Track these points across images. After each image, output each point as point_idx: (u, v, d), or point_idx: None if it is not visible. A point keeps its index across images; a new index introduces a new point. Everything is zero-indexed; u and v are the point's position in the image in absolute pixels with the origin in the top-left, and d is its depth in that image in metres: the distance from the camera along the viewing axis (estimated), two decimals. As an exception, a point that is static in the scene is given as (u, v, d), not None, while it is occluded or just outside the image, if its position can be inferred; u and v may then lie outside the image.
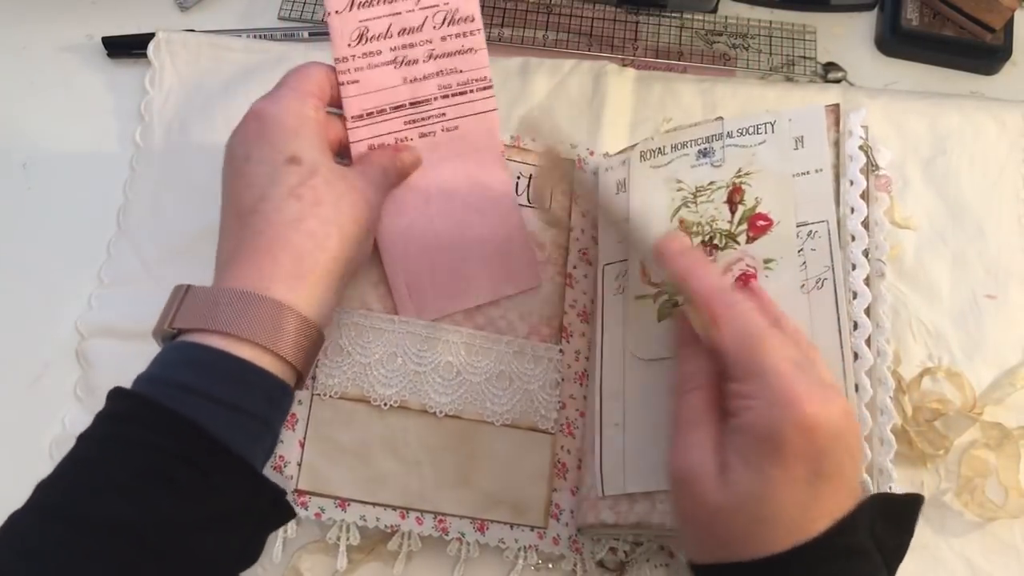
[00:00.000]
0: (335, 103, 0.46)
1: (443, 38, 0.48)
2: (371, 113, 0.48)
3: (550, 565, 0.48)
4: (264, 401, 0.38)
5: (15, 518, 0.35)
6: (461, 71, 0.49)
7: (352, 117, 0.48)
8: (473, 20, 0.49)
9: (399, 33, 0.49)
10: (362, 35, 0.48)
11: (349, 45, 0.48)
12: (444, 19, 0.49)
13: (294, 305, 0.39)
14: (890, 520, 0.37)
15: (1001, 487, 0.49)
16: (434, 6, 0.48)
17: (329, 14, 0.48)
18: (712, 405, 0.38)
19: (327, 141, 0.44)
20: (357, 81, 0.48)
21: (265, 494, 0.38)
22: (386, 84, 0.48)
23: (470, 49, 0.49)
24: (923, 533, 0.49)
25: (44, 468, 0.49)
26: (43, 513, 0.36)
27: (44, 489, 0.36)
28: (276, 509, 0.39)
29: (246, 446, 0.37)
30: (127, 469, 0.35)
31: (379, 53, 0.48)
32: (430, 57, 0.48)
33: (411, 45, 0.48)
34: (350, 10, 0.48)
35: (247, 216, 0.41)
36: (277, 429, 0.40)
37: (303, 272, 0.40)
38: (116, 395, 0.37)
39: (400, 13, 0.48)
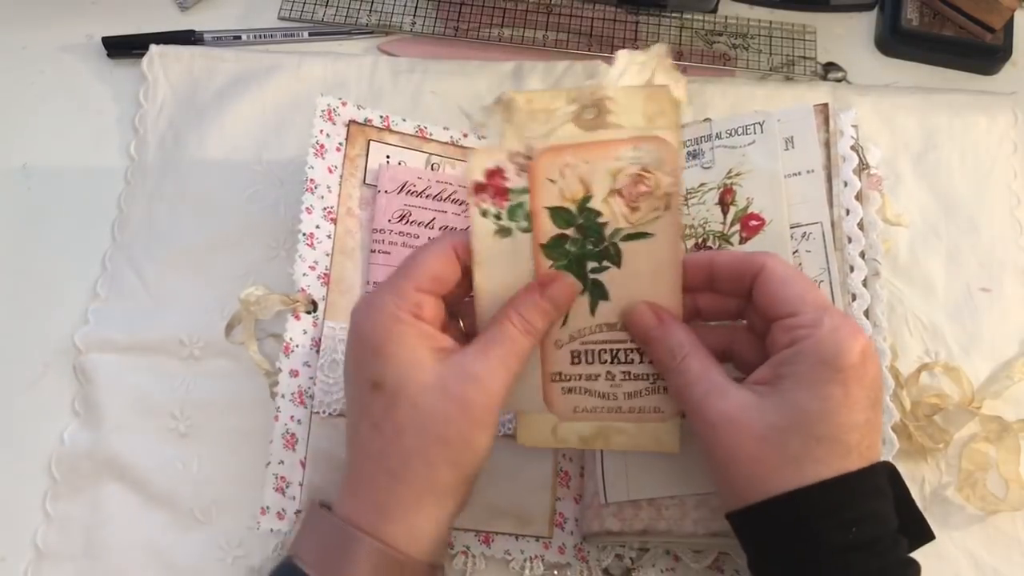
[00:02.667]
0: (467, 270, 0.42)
1: None
2: None
3: (555, 573, 0.48)
4: None
5: None
6: None
7: (374, 283, 0.50)
8: None
9: (441, 228, 0.52)
10: (404, 216, 0.51)
11: (389, 220, 0.51)
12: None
13: (376, 536, 0.38)
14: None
15: (1002, 480, 0.50)
16: None
17: (379, 192, 0.51)
18: (709, 358, 0.39)
19: (428, 344, 0.39)
20: (388, 253, 0.51)
21: None
22: None
23: None
24: (925, 527, 0.49)
25: (42, 482, 0.49)
26: None
27: None
28: None
29: None
30: None
31: (417, 237, 0.51)
32: None
33: None
34: (398, 193, 0.51)
35: (348, 443, 0.41)
36: None
37: (385, 508, 0.39)
38: None
39: (447, 213, 0.52)
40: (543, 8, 0.63)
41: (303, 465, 0.47)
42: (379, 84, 0.60)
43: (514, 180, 0.40)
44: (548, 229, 0.41)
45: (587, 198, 0.40)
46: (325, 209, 0.51)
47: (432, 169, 0.54)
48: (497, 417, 0.40)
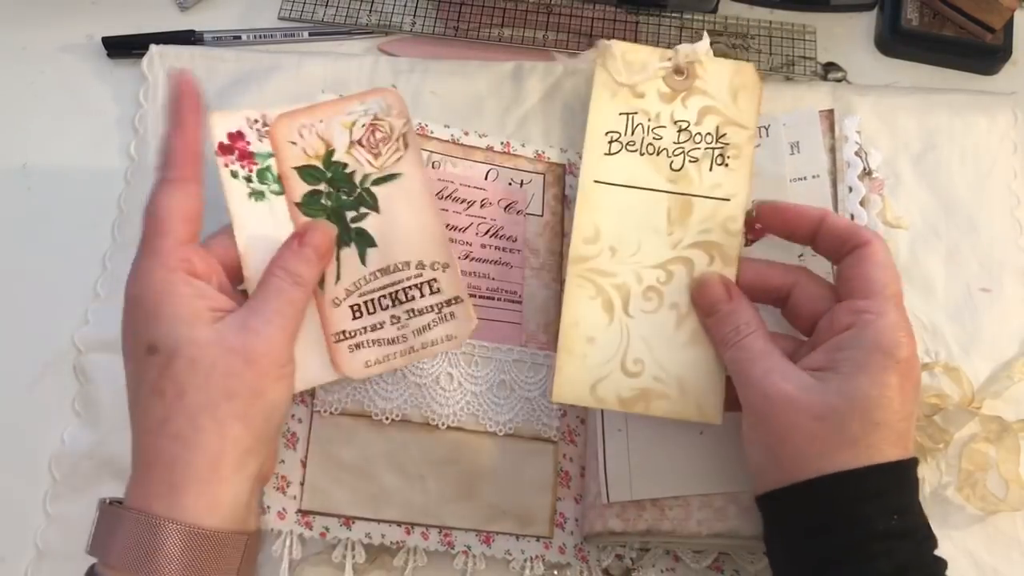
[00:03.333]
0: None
1: (482, 246, 0.51)
2: None
3: (555, 573, 0.48)
4: None
5: None
6: (493, 278, 0.51)
7: None
8: (515, 240, 0.51)
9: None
10: None
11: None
12: (488, 231, 0.51)
13: (175, 519, 0.36)
14: None
15: (1002, 480, 0.50)
16: (482, 218, 0.51)
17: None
18: (771, 338, 0.41)
19: (204, 303, 0.39)
20: None
21: None
22: None
23: (506, 264, 0.51)
24: (925, 527, 0.49)
25: (42, 482, 0.49)
26: None
27: None
28: None
29: None
30: None
31: None
32: (466, 257, 0.51)
33: (451, 240, 0.50)
34: None
35: (130, 422, 0.39)
36: None
37: (177, 482, 0.37)
38: None
39: (447, 211, 0.51)
40: (543, 8, 0.63)
41: (304, 464, 0.47)
42: (379, 84, 0.60)
43: (256, 145, 0.43)
44: (300, 188, 0.43)
45: (331, 152, 0.44)
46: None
47: (433, 167, 0.53)
48: (286, 370, 0.39)
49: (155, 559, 0.36)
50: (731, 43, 0.62)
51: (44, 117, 0.60)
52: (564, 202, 0.54)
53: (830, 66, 0.62)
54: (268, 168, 0.43)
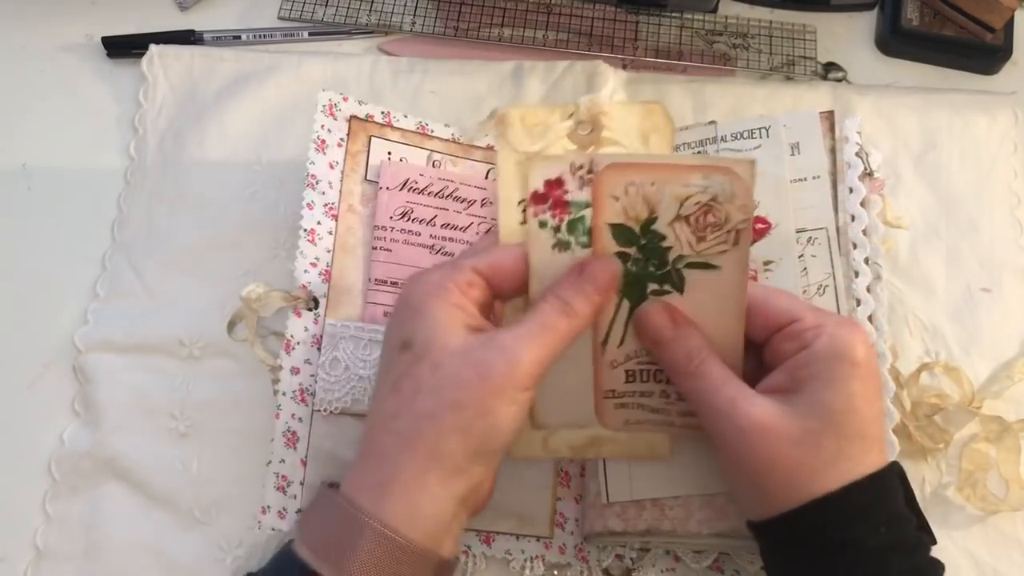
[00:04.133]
0: None
1: None
2: (395, 283, 0.50)
3: (555, 573, 0.48)
4: None
5: None
6: None
7: (375, 280, 0.50)
8: None
9: (443, 226, 0.51)
10: (406, 213, 0.51)
11: (391, 218, 0.51)
12: (488, 230, 0.51)
13: (376, 517, 0.36)
14: None
15: (1002, 480, 0.50)
16: (483, 218, 0.51)
17: (381, 188, 0.51)
18: (726, 368, 0.39)
19: (465, 316, 0.38)
20: (390, 250, 0.50)
21: None
22: (417, 263, 0.50)
23: None
24: (925, 527, 0.49)
25: (42, 482, 0.49)
26: None
27: None
28: None
29: None
30: None
31: (418, 235, 0.51)
32: None
33: (451, 239, 0.51)
34: (400, 190, 0.51)
35: (369, 411, 0.40)
36: None
37: (384, 479, 0.37)
38: None
39: (448, 210, 0.51)
40: (543, 8, 0.63)
41: (304, 464, 0.47)
42: (379, 84, 0.60)
43: (575, 193, 0.39)
44: (609, 246, 0.39)
45: (652, 220, 0.39)
46: (326, 205, 0.51)
47: (433, 166, 0.54)
48: (524, 394, 0.37)
49: (347, 551, 0.36)
50: (731, 43, 0.62)
51: (44, 117, 0.60)
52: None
53: (830, 66, 0.62)
54: (581, 219, 0.39)
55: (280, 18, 0.63)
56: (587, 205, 0.39)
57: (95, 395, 0.51)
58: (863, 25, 0.64)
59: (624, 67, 0.61)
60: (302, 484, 0.47)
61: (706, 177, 0.38)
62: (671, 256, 0.39)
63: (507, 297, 0.41)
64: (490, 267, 0.39)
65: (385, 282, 0.50)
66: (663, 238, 0.39)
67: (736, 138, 0.49)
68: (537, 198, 0.39)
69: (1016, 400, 0.52)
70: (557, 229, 0.39)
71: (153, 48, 0.60)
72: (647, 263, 0.40)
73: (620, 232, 0.39)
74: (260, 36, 0.62)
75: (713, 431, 0.39)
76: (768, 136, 0.48)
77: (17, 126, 0.59)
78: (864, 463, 0.37)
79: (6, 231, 0.56)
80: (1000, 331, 0.54)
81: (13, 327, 0.54)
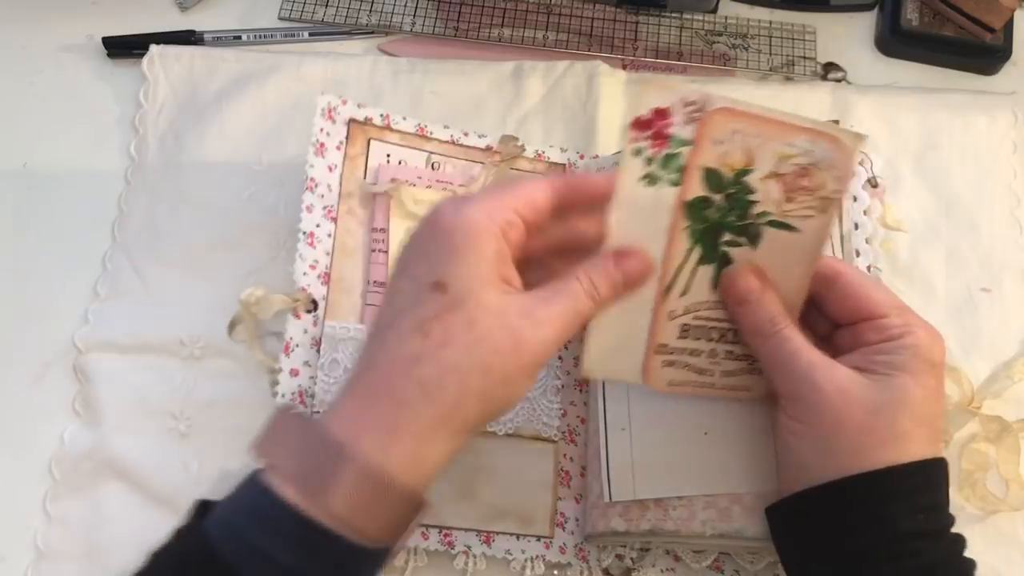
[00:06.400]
0: (566, 207, 0.40)
1: None
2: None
3: (556, 573, 0.48)
4: (332, 568, 0.35)
5: None
6: None
7: (374, 282, 0.50)
8: None
9: None
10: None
11: (390, 220, 0.51)
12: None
13: (378, 464, 0.34)
14: None
15: (1002, 480, 0.50)
16: None
17: (376, 195, 0.52)
18: (805, 336, 0.41)
19: (502, 268, 0.37)
20: (388, 252, 0.50)
21: None
22: None
23: None
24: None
25: (42, 482, 0.49)
26: None
27: None
28: None
29: None
30: None
31: None
32: None
33: None
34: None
35: (375, 337, 0.37)
36: None
37: (398, 426, 0.35)
38: (186, 533, 0.36)
39: None
40: (543, 8, 0.63)
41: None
42: (379, 84, 0.60)
43: (679, 128, 0.38)
44: (696, 188, 0.39)
45: (746, 171, 0.39)
46: (325, 208, 0.51)
47: (432, 168, 0.54)
48: (536, 372, 0.38)
49: (338, 490, 0.34)
50: (731, 43, 0.62)
51: (44, 117, 0.60)
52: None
53: (830, 66, 0.62)
54: (678, 155, 0.38)
55: (280, 18, 0.63)
56: (686, 143, 0.38)
57: (95, 395, 0.51)
58: (863, 25, 0.64)
59: (624, 67, 0.61)
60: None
61: (812, 141, 0.38)
62: (754, 210, 0.40)
63: (539, 227, 0.39)
64: (526, 203, 0.38)
65: (384, 284, 0.50)
66: (752, 191, 0.39)
67: None
68: (640, 124, 0.38)
69: (1016, 400, 0.52)
70: (651, 161, 0.38)
71: (153, 48, 0.60)
72: (728, 212, 0.40)
73: (712, 176, 0.39)
74: (260, 36, 0.62)
75: (787, 389, 0.40)
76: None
77: (17, 126, 0.59)
78: (927, 450, 0.38)
79: (6, 231, 0.56)
80: (1000, 331, 0.54)
81: (13, 327, 0.54)
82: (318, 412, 0.48)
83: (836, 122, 0.49)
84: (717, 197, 0.39)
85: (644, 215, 0.39)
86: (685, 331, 0.42)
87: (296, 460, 0.35)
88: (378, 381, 0.36)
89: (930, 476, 0.39)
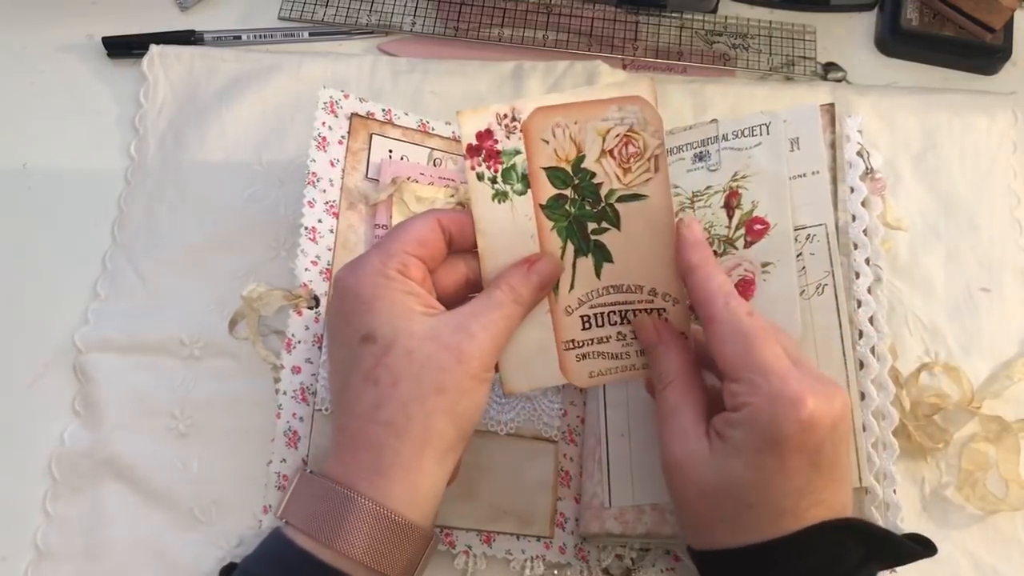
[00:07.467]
0: (459, 246, 0.42)
1: None
2: None
3: (555, 573, 0.48)
4: None
5: None
6: None
7: None
8: None
9: None
10: None
11: (391, 216, 0.51)
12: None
13: (377, 500, 0.37)
14: (884, 556, 0.39)
15: (1001, 480, 0.50)
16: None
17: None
18: (688, 395, 0.40)
19: (417, 301, 0.40)
20: None
21: None
22: None
23: None
24: (925, 528, 0.49)
25: (42, 482, 0.49)
26: None
27: None
28: None
29: None
30: None
31: None
32: None
33: None
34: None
35: (336, 404, 0.40)
36: None
37: (383, 467, 0.38)
38: None
39: None
40: (543, 8, 0.63)
41: (305, 463, 0.47)
42: (379, 84, 0.60)
43: (504, 142, 0.42)
44: (547, 190, 0.42)
45: (580, 158, 0.42)
46: (327, 203, 0.51)
47: (434, 164, 0.54)
48: (488, 375, 0.40)
49: (344, 529, 0.37)
50: (731, 43, 0.62)
51: (44, 117, 0.60)
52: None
53: (830, 66, 0.62)
54: (512, 167, 0.42)
55: (280, 18, 0.63)
56: (517, 152, 0.42)
57: (95, 395, 0.51)
58: (863, 25, 0.64)
59: (624, 67, 0.61)
60: (302, 484, 0.47)
61: (620, 109, 0.41)
62: (603, 192, 0.42)
63: (439, 262, 0.42)
64: (415, 243, 0.40)
65: None
66: (593, 175, 0.42)
67: (737, 136, 0.48)
68: (472, 151, 0.42)
69: (1016, 400, 0.52)
70: (494, 180, 0.42)
71: (153, 48, 0.60)
72: (583, 202, 0.42)
73: (555, 174, 0.42)
74: (260, 36, 0.62)
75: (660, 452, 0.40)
76: (768, 133, 0.48)
77: (17, 126, 0.59)
78: (766, 531, 0.37)
79: (6, 231, 0.56)
80: (999, 330, 0.54)
81: (13, 327, 0.54)
82: (320, 410, 0.48)
83: (832, 106, 0.49)
84: (567, 191, 0.42)
85: (508, 230, 0.42)
86: (587, 322, 0.43)
87: (306, 511, 0.38)
88: (354, 435, 0.38)
89: (782, 552, 0.37)
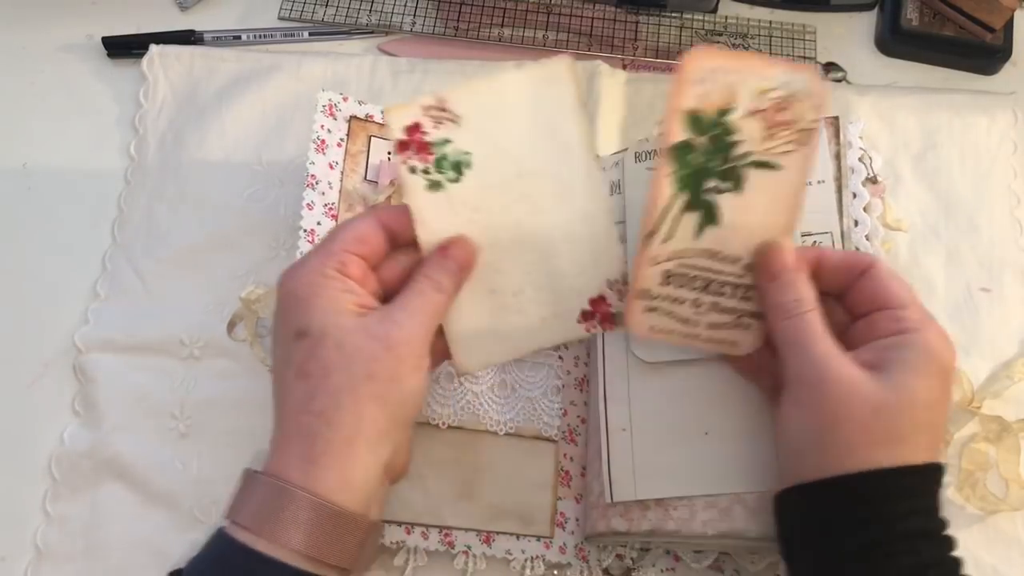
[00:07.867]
0: (402, 240, 0.42)
1: None
2: None
3: (556, 573, 0.48)
4: None
5: None
6: None
7: None
8: None
9: None
10: None
11: None
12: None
13: (309, 489, 0.38)
14: None
15: (1002, 480, 0.50)
16: None
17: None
18: (825, 325, 0.40)
19: (352, 299, 0.40)
20: None
21: None
22: None
23: None
24: (925, 527, 0.49)
25: (42, 482, 0.49)
26: None
27: None
28: None
29: None
30: None
31: None
32: None
33: None
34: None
35: (275, 399, 0.41)
36: None
37: (315, 455, 0.38)
38: None
39: None
40: (543, 8, 0.63)
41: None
42: (379, 84, 0.60)
43: (433, 133, 0.41)
44: (678, 132, 0.40)
45: (726, 110, 0.40)
46: (326, 206, 0.51)
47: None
48: (424, 360, 0.41)
49: (280, 520, 0.37)
50: (731, 43, 0.62)
51: (44, 117, 0.60)
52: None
53: (830, 66, 0.62)
54: (444, 157, 0.41)
55: (280, 18, 0.63)
56: (446, 142, 0.41)
57: (95, 395, 0.51)
58: (863, 25, 0.64)
59: (624, 67, 0.61)
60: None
61: (787, 73, 0.39)
62: (736, 152, 0.40)
63: (382, 257, 0.43)
64: (354, 240, 0.41)
65: None
66: (733, 132, 0.40)
67: None
68: (403, 146, 0.41)
69: (1016, 400, 0.52)
70: (427, 171, 0.41)
71: (153, 48, 0.60)
72: (711, 157, 0.40)
73: (694, 120, 0.40)
74: (260, 36, 0.62)
75: (796, 373, 0.40)
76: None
77: (17, 126, 0.60)
78: (921, 454, 0.38)
79: (6, 231, 0.57)
80: (1000, 331, 0.54)
81: (13, 327, 0.54)
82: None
83: (836, 119, 0.49)
84: (700, 140, 0.40)
85: (444, 220, 0.42)
86: (668, 278, 0.42)
87: (248, 507, 0.38)
88: (288, 428, 0.39)
89: (924, 482, 0.38)
